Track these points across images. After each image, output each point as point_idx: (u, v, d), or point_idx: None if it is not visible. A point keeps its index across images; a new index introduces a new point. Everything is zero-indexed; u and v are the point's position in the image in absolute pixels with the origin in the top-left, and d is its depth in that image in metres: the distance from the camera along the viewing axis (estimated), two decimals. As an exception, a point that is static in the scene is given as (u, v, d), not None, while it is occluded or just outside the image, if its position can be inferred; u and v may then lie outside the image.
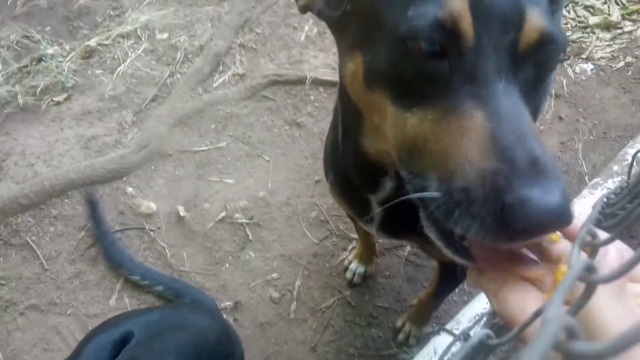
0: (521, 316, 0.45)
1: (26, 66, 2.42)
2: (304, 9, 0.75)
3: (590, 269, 0.35)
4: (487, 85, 0.52)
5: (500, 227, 0.46)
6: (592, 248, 0.47)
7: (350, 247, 1.84)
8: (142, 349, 1.03)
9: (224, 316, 1.60)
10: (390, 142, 0.63)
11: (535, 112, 1.19)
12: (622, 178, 1.65)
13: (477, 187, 0.48)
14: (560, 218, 0.45)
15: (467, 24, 0.52)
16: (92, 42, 2.52)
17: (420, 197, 0.55)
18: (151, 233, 1.89)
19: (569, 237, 0.50)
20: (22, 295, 1.76)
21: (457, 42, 0.53)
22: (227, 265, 1.82)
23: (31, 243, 1.86)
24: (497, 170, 0.47)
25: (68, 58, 2.43)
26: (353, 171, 0.92)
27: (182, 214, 1.91)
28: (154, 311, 1.20)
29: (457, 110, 0.53)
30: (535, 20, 0.54)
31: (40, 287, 1.78)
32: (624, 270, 0.33)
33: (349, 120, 0.84)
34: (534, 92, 0.58)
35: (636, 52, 2.34)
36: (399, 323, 1.65)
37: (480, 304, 1.45)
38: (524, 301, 0.46)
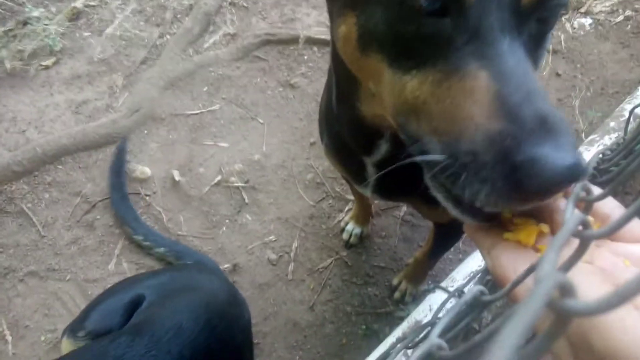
0: (512, 275, 0.44)
1: (12, 30, 2.35)
2: None
3: (584, 225, 0.34)
4: (492, 43, 0.50)
5: (512, 189, 0.44)
6: (587, 204, 0.47)
7: (346, 208, 1.84)
8: (155, 309, 1.04)
9: (225, 278, 1.62)
10: (388, 106, 0.61)
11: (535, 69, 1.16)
12: (618, 134, 1.65)
13: (484, 150, 0.46)
14: (574, 173, 0.43)
15: None
16: (79, 4, 2.44)
17: (424, 160, 0.53)
18: (147, 198, 1.89)
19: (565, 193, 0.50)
20: (20, 262, 1.77)
21: None
22: (224, 228, 1.83)
23: (27, 210, 1.86)
24: (505, 130, 0.45)
25: (54, 20, 2.36)
26: (348, 134, 0.90)
27: (177, 178, 1.90)
28: (162, 273, 1.21)
29: (460, 71, 0.51)
30: None
31: (38, 254, 1.79)
32: (616, 227, 0.32)
33: (343, 84, 0.82)
34: (537, 48, 0.56)
35: (636, 5, 2.29)
36: (395, 281, 1.67)
37: (475, 262, 1.46)
38: (515, 260, 0.46)
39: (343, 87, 0.82)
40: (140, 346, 0.91)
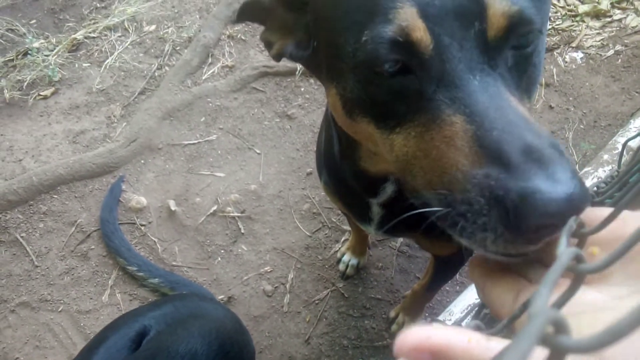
0: (501, 310, 0.43)
1: (12, 60, 2.39)
2: (277, 57, 0.75)
3: (578, 259, 0.34)
4: (460, 86, 0.49)
5: (514, 232, 0.41)
6: (580, 237, 0.47)
7: (342, 239, 1.84)
8: (166, 337, 1.02)
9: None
10: (388, 163, 0.62)
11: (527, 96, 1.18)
12: (612, 167, 1.66)
13: (476, 197, 0.44)
14: (573, 201, 0.39)
15: (420, 32, 0.50)
16: (79, 35, 2.48)
17: (428, 211, 0.52)
18: (142, 228, 1.88)
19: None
20: (12, 292, 1.75)
21: (416, 53, 0.51)
22: (220, 259, 1.81)
23: (21, 240, 1.84)
24: (490, 172, 0.43)
25: (54, 51, 2.40)
26: (352, 181, 0.91)
27: (173, 208, 1.90)
28: (165, 303, 1.19)
29: (437, 121, 0.50)
30: (498, 4, 0.51)
31: (31, 284, 1.76)
32: (613, 260, 0.32)
33: (345, 144, 0.84)
34: (522, 75, 0.55)
35: (626, 40, 2.35)
36: (392, 314, 1.65)
37: (472, 294, 1.45)
38: (506, 294, 0.45)
39: (345, 146, 0.84)
40: None
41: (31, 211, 1.91)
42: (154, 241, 1.85)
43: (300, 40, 0.71)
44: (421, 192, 0.54)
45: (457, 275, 1.72)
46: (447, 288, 1.72)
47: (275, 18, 0.75)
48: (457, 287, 1.71)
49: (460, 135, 0.48)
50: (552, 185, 0.40)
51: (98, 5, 2.67)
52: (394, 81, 0.53)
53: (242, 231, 1.86)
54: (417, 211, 0.53)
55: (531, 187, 0.40)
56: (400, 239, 1.82)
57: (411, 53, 0.51)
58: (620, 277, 0.38)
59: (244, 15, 0.78)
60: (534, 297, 0.25)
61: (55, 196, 1.95)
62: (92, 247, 1.84)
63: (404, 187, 0.59)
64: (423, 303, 1.60)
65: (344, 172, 0.92)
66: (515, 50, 0.54)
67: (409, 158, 0.55)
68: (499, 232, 0.42)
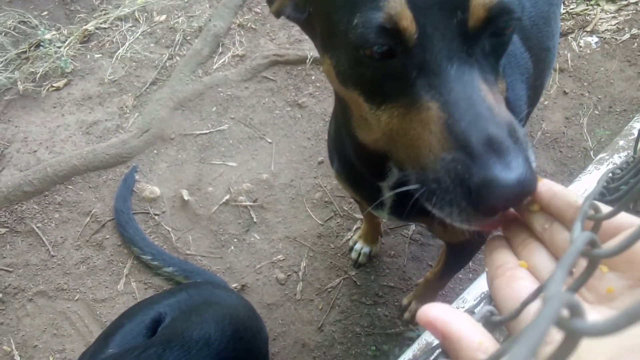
0: (506, 305, 0.44)
1: (24, 52, 2.41)
2: (277, 14, 0.77)
3: (593, 244, 0.34)
4: (439, 74, 0.54)
5: (475, 208, 0.49)
6: (595, 222, 0.46)
7: (354, 227, 1.84)
8: (180, 323, 1.04)
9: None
10: (376, 134, 0.66)
11: (538, 92, 1.17)
12: (628, 153, 1.64)
13: (444, 177, 0.51)
14: (523, 188, 0.47)
15: (407, 22, 0.53)
16: (90, 26, 2.49)
17: (408, 189, 0.57)
18: (156, 217, 1.90)
19: (552, 209, 0.49)
20: (30, 281, 1.78)
21: (402, 40, 0.54)
22: (233, 247, 1.83)
23: (37, 230, 1.87)
24: (457, 158, 0.50)
25: (66, 43, 2.41)
26: (357, 161, 0.93)
27: (186, 197, 1.91)
28: (179, 291, 1.21)
29: (416, 104, 0.56)
30: None
31: (48, 274, 1.79)
32: (628, 243, 0.32)
33: (341, 113, 0.87)
34: (497, 59, 0.60)
35: (642, 24, 2.30)
36: (405, 302, 1.66)
37: (485, 282, 1.45)
38: (513, 291, 0.45)
39: (341, 116, 0.87)
40: (172, 357, 0.91)
41: (46, 202, 1.94)
42: (168, 230, 1.87)
43: (298, 2, 0.73)
44: (404, 167, 0.60)
45: (470, 263, 1.72)
46: (460, 276, 1.72)
47: None
48: (470, 275, 1.71)
49: (434, 120, 0.53)
50: (507, 174, 0.47)
51: (108, -4, 2.67)
52: (380, 63, 0.57)
53: (255, 220, 1.87)
54: (406, 188, 0.58)
55: (489, 175, 0.47)
56: (413, 227, 1.81)
57: (397, 40, 0.55)
58: (626, 300, 0.38)
59: None
60: (549, 281, 0.25)
61: (70, 187, 1.97)
62: (107, 236, 1.86)
63: (392, 159, 0.65)
64: (436, 291, 1.60)
65: (350, 153, 0.93)
66: (493, 37, 0.58)
67: (392, 134, 0.60)
68: (463, 207, 0.50)
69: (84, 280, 1.78)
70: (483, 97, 0.53)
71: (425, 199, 0.54)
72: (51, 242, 1.85)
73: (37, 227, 1.88)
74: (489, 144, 0.49)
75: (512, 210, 0.50)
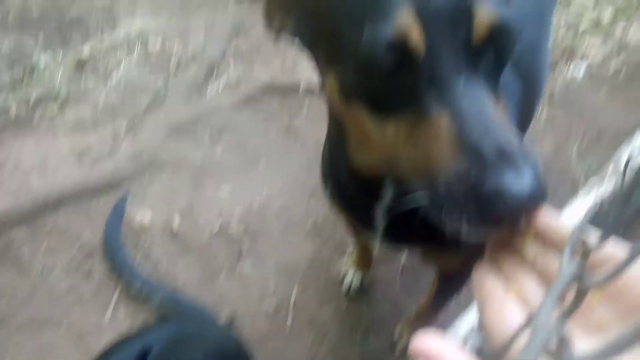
0: (498, 333, 0.44)
1: (19, 76, 2.41)
2: (278, 30, 0.78)
3: (581, 273, 0.34)
4: (447, 87, 0.55)
5: (485, 219, 0.50)
6: (584, 251, 0.46)
7: (346, 256, 1.83)
8: (168, 356, 1.02)
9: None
10: (376, 153, 0.66)
11: (528, 120, 1.18)
12: (616, 181, 1.66)
13: (455, 187, 0.51)
14: (532, 200, 0.48)
15: (416, 37, 0.55)
16: (85, 51, 2.51)
17: (415, 205, 0.57)
18: (145, 245, 1.88)
19: (545, 238, 0.50)
20: (15, 310, 1.74)
21: (411, 55, 0.55)
22: (222, 277, 1.81)
23: (24, 257, 1.85)
24: (469, 167, 0.51)
25: (61, 67, 2.42)
26: (352, 185, 0.92)
27: (176, 224, 1.90)
28: (167, 323, 1.19)
29: (425, 116, 0.56)
30: (483, 14, 0.56)
31: (34, 302, 1.76)
32: (616, 273, 0.32)
33: (336, 137, 0.87)
34: (498, 74, 0.61)
35: (627, 56, 2.35)
36: (397, 332, 1.64)
37: (477, 311, 1.44)
38: (503, 321, 0.46)
39: (336, 139, 0.87)
40: None
41: (36, 228, 1.91)
42: (157, 258, 1.85)
43: (300, 17, 0.73)
44: (407, 182, 0.60)
45: (463, 292, 1.71)
46: (452, 305, 1.71)
47: None
48: (462, 304, 1.70)
49: (445, 132, 0.54)
50: (519, 183, 0.48)
51: (105, 22, 2.69)
52: (389, 76, 0.58)
53: (246, 248, 1.86)
54: (411, 206, 0.58)
55: (502, 183, 0.48)
56: (405, 256, 1.81)
57: (406, 55, 0.56)
58: (617, 330, 0.38)
59: None
60: (538, 310, 0.25)
61: (60, 213, 1.95)
62: (96, 264, 1.84)
63: (393, 178, 0.66)
64: (429, 320, 1.59)
65: (343, 176, 0.93)
66: (495, 54, 0.59)
67: (399, 147, 0.61)
68: (472, 218, 0.51)
69: (71, 310, 1.74)
70: (492, 110, 0.55)
71: (433, 211, 0.55)
72: (39, 270, 1.83)
73: (25, 254, 1.86)
74: (501, 153, 0.50)
75: (505, 234, 0.51)
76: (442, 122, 0.54)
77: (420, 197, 0.57)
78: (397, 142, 0.60)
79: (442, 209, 0.53)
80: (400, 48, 0.55)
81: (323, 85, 0.71)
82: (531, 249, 0.49)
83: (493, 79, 0.60)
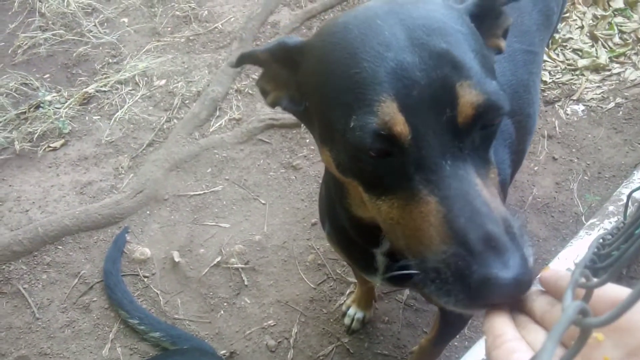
0: (497, 339, 0.45)
1: (24, 113, 2.45)
2: (272, 105, 0.80)
3: (584, 313, 0.33)
4: (434, 170, 0.57)
5: (472, 301, 0.51)
6: (587, 291, 0.46)
7: (348, 291, 1.81)
8: None
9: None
10: (374, 214, 0.68)
11: (520, 156, 1.20)
12: (618, 218, 1.65)
13: (444, 269, 0.53)
14: (518, 288, 0.49)
15: (400, 126, 0.56)
16: (90, 89, 2.55)
17: (407, 273, 0.59)
18: (145, 279, 1.86)
19: (554, 292, 0.50)
20: (11, 345, 1.71)
21: (397, 142, 0.57)
22: (222, 312, 1.78)
23: (23, 291, 1.83)
24: (457, 253, 0.52)
25: (66, 104, 2.46)
26: (351, 229, 0.93)
27: (176, 259, 1.89)
28: (165, 358, 1.16)
29: (415, 197, 0.58)
30: (468, 95, 0.57)
31: (31, 337, 1.73)
32: (620, 312, 0.32)
33: (334, 187, 0.89)
34: (487, 149, 0.62)
35: (625, 93, 2.39)
36: (399, 370, 1.60)
37: (481, 350, 1.41)
38: (506, 325, 0.48)
39: (338, 194, 0.88)
40: None
41: (35, 262, 1.90)
42: (157, 293, 1.83)
43: (293, 96, 0.76)
44: (404, 253, 0.62)
45: (466, 330, 1.68)
46: (456, 343, 1.67)
47: (270, 70, 0.79)
48: (466, 342, 1.67)
49: (433, 214, 0.55)
50: (505, 272, 0.49)
51: (110, 61, 2.75)
52: (378, 161, 0.60)
53: (246, 283, 1.84)
54: (398, 273, 0.60)
55: (488, 273, 0.49)
56: (407, 292, 1.79)
57: (392, 143, 0.58)
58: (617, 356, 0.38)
59: (242, 63, 0.83)
60: (540, 351, 0.24)
61: (60, 247, 1.94)
62: (95, 299, 1.82)
63: (392, 246, 0.67)
64: (431, 358, 1.55)
65: (341, 219, 0.94)
66: (482, 130, 0.60)
67: (394, 223, 0.62)
68: (460, 298, 0.52)
69: (68, 345, 1.71)
70: (479, 192, 0.56)
71: (423, 284, 0.56)
72: (37, 304, 1.80)
73: (24, 288, 1.84)
74: (487, 241, 0.51)
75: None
76: (430, 204, 0.56)
77: (414, 266, 0.58)
78: (391, 218, 0.62)
79: (432, 285, 0.54)
80: (386, 136, 0.57)
81: (320, 155, 0.73)
82: (538, 305, 0.50)
83: (483, 153, 0.61)
